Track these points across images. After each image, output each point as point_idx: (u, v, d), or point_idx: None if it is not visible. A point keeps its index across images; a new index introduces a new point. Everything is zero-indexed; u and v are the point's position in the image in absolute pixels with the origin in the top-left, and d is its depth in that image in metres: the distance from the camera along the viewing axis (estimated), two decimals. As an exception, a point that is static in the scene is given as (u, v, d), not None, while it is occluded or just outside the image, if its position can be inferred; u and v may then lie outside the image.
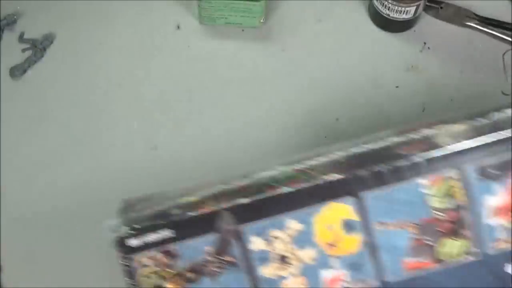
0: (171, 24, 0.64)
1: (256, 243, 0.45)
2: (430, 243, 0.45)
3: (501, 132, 0.44)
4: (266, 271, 0.45)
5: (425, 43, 0.63)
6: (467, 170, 0.44)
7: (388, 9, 0.60)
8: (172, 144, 0.59)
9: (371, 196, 0.45)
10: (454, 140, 0.45)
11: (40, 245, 0.56)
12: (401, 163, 0.44)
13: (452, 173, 0.44)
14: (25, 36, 0.63)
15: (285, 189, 0.44)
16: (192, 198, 0.46)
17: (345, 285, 0.45)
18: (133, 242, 0.45)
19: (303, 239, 0.45)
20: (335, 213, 0.45)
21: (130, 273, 0.45)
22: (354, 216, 0.45)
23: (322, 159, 0.46)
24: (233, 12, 0.60)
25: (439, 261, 0.45)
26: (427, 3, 0.63)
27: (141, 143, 0.59)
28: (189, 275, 0.45)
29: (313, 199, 0.45)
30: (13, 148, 0.59)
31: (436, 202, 0.45)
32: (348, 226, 0.45)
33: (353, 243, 0.45)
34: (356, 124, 0.60)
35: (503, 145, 0.44)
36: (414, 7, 0.59)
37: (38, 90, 0.61)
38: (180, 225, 0.44)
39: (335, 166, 0.45)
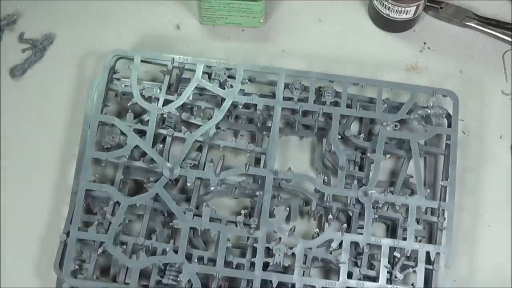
0: (171, 24, 0.64)
1: None
2: None
3: None
4: None
5: (425, 43, 0.63)
6: None
7: (388, 9, 0.60)
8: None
9: None
10: None
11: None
12: None
13: None
14: (25, 36, 0.63)
15: None
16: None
17: None
18: None
19: None
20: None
21: None
22: None
23: None
24: (233, 12, 0.60)
25: None
26: (427, 3, 0.63)
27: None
28: None
29: None
30: (13, 148, 0.59)
31: None
32: None
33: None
34: (356, 124, 0.60)
35: None
36: (414, 7, 0.59)
37: (38, 90, 0.61)
38: None
39: None
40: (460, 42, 0.63)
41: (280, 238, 0.53)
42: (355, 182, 0.54)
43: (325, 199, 0.53)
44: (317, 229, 0.53)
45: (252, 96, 0.55)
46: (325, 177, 0.54)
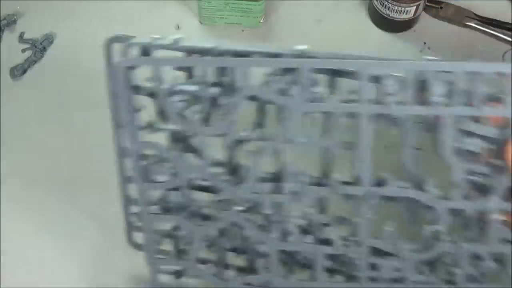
0: (171, 24, 0.64)
1: None
2: None
3: None
4: None
5: (425, 43, 0.63)
6: None
7: (388, 9, 0.60)
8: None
9: None
10: None
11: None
12: None
13: None
14: (25, 36, 0.63)
15: None
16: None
17: None
18: None
19: None
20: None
21: None
22: None
23: None
24: (233, 12, 0.61)
25: None
26: (427, 3, 0.63)
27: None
28: None
29: None
30: (13, 148, 0.59)
31: None
32: None
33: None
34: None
35: None
36: (414, 7, 0.59)
37: (38, 90, 0.61)
38: None
39: None
40: (460, 42, 0.63)
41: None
42: None
43: None
44: None
45: None
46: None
